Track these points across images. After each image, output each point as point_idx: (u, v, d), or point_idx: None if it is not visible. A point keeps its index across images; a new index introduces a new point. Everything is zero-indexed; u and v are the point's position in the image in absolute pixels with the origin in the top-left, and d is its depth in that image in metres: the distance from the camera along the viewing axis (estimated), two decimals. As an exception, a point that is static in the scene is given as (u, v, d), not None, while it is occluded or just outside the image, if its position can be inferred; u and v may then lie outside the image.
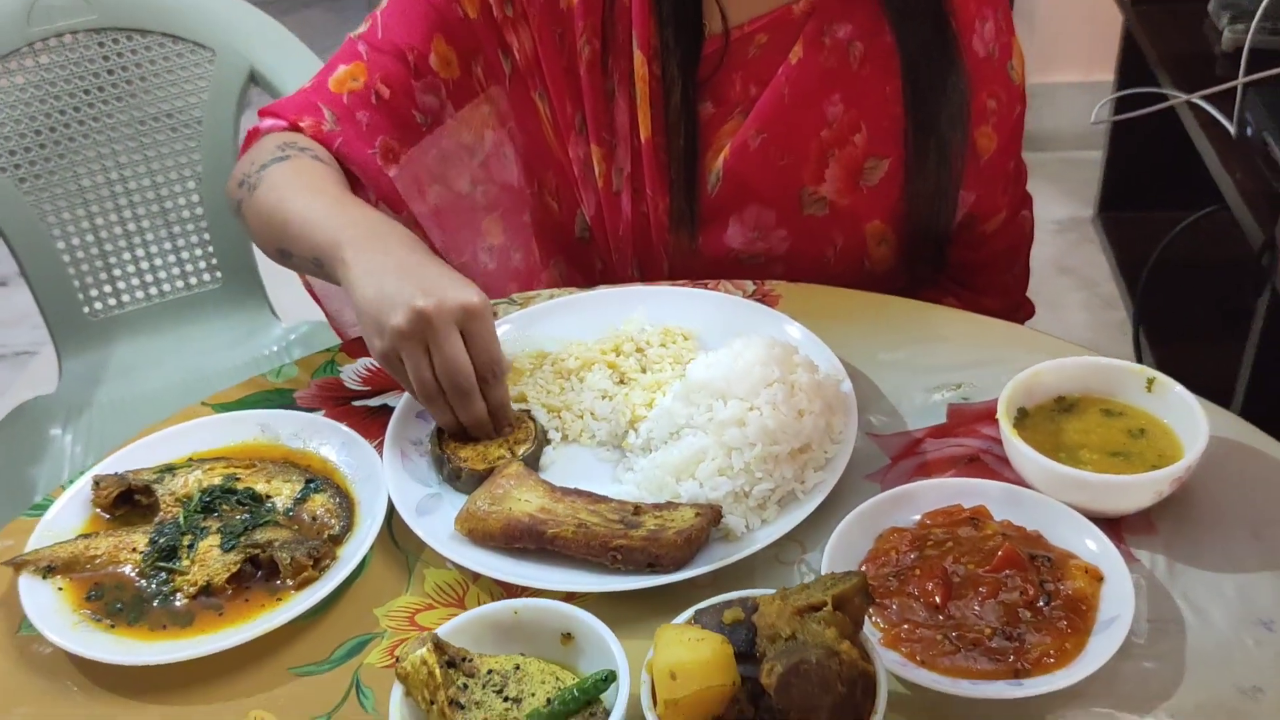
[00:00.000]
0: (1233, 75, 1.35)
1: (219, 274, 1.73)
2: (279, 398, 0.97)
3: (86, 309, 1.70)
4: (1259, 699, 0.67)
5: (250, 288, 1.75)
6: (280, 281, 1.80)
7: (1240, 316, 1.32)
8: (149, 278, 1.73)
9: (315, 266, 0.94)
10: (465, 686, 0.66)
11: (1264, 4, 1.20)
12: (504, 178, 1.16)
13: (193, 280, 1.74)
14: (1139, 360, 0.85)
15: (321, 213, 0.93)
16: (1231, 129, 1.33)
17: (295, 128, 1.05)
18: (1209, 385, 0.99)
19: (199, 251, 1.73)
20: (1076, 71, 2.85)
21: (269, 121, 1.06)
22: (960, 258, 1.22)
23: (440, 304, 0.82)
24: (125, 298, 1.72)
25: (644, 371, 0.92)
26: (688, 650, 0.62)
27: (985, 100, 1.11)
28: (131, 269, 1.71)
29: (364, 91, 1.06)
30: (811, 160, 1.10)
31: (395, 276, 0.84)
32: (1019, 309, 1.27)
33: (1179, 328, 1.79)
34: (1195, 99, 1.26)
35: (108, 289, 1.71)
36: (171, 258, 1.73)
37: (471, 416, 0.86)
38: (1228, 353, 1.35)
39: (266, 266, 1.74)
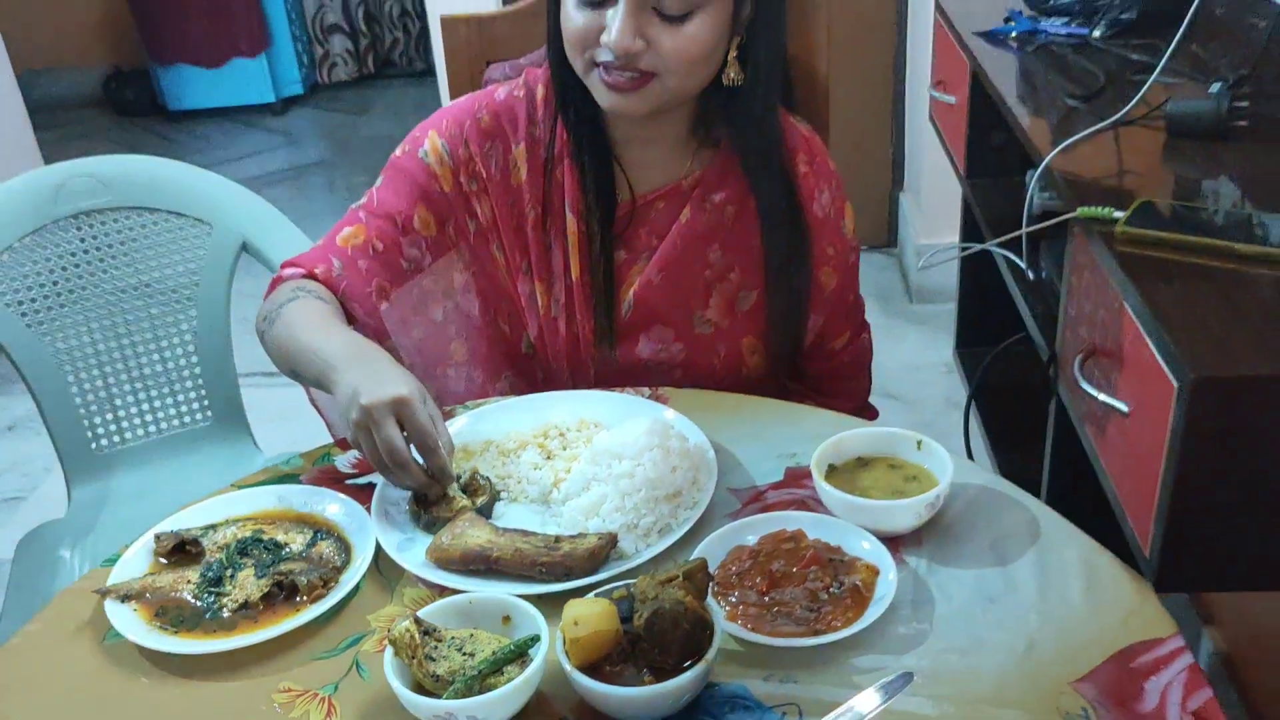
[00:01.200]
0: (1032, 232, 1.73)
1: (209, 413, 1.98)
2: (289, 479, 1.27)
3: (94, 444, 1.92)
4: (981, 646, 0.99)
5: (236, 425, 2.00)
6: (261, 421, 2.08)
7: (1043, 421, 1.66)
8: (149, 417, 1.96)
9: (317, 382, 1.24)
10: (435, 647, 0.95)
11: (1035, 175, 1.57)
12: (468, 310, 1.47)
13: (186, 419, 1.98)
14: (970, 459, 1.17)
15: (320, 342, 1.23)
16: (1029, 271, 1.71)
17: (311, 274, 1.35)
18: (1027, 478, 1.32)
19: (193, 394, 1.98)
20: (956, 236, 3.24)
21: (290, 270, 1.37)
22: (816, 369, 1.55)
23: (376, 400, 1.12)
24: (128, 434, 1.95)
25: (564, 449, 1.24)
26: (586, 607, 0.93)
27: (825, 248, 1.45)
28: (134, 409, 1.95)
29: (364, 246, 1.37)
30: (699, 292, 1.42)
31: (356, 382, 1.14)
32: (864, 411, 1.60)
33: (1005, 434, 2.15)
34: (987, 246, 1.62)
35: (113, 426, 1.94)
36: (169, 400, 1.97)
37: (413, 482, 1.15)
38: (1038, 451, 1.69)
39: (250, 407, 2.03)
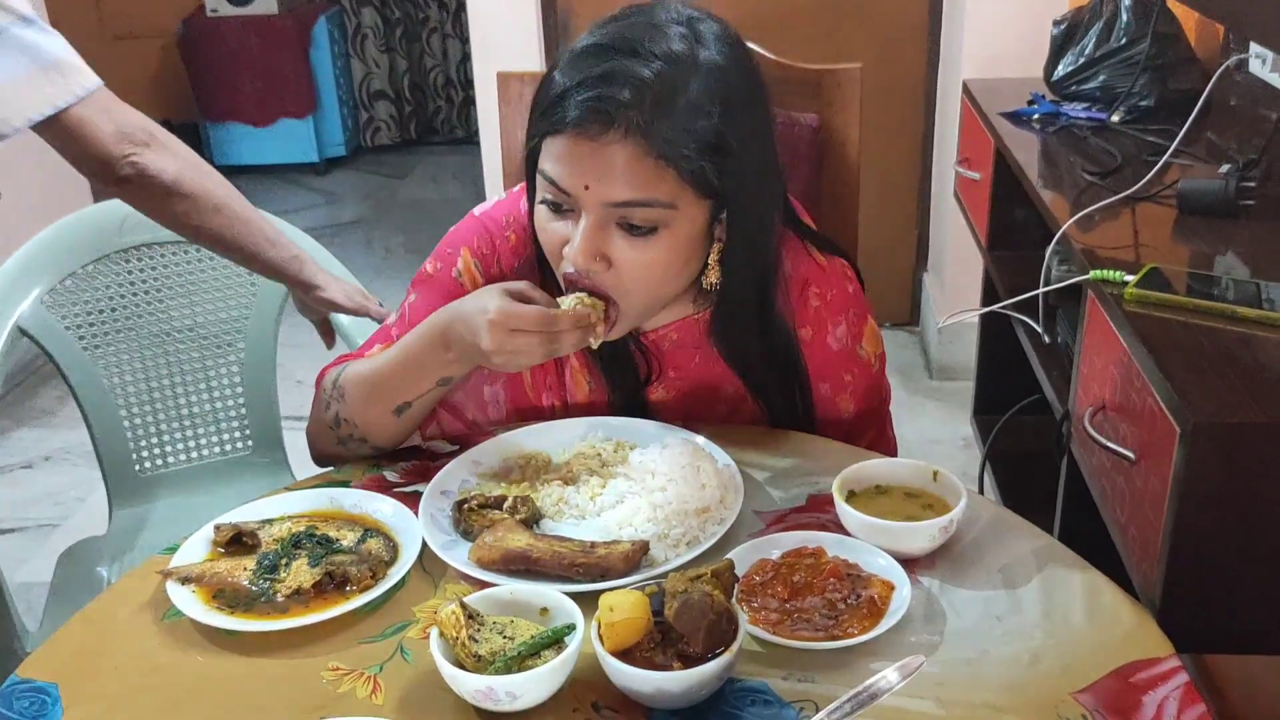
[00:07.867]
0: (1050, 300, 1.81)
1: (250, 442, 2.07)
2: (341, 485, 1.35)
3: (137, 466, 2.01)
4: (985, 657, 1.05)
5: (275, 454, 2.09)
6: (298, 464, 2.15)
7: (1055, 486, 1.73)
8: (191, 443, 2.05)
9: (440, 384, 1.32)
10: (478, 630, 1.02)
11: (1053, 243, 1.66)
12: (495, 418, 1.50)
13: (228, 447, 2.07)
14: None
15: (407, 351, 1.32)
16: (1044, 335, 1.79)
17: None
18: (1042, 526, 1.38)
19: (235, 424, 2.07)
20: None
21: (332, 370, 1.42)
22: None
23: (498, 314, 1.22)
24: (170, 459, 2.04)
25: (602, 466, 1.31)
26: (621, 595, 1.00)
27: (843, 376, 1.46)
28: (178, 434, 2.03)
29: None
30: (716, 414, 1.45)
31: (464, 329, 1.26)
32: None
33: (1019, 500, 2.22)
34: (1006, 307, 1.71)
35: (156, 450, 2.02)
36: (212, 427, 2.06)
37: (574, 341, 1.24)
38: (1051, 516, 1.76)
39: (289, 439, 2.10)
